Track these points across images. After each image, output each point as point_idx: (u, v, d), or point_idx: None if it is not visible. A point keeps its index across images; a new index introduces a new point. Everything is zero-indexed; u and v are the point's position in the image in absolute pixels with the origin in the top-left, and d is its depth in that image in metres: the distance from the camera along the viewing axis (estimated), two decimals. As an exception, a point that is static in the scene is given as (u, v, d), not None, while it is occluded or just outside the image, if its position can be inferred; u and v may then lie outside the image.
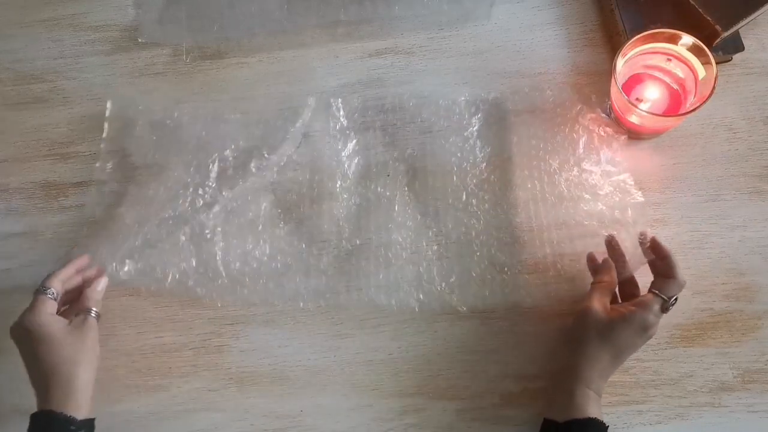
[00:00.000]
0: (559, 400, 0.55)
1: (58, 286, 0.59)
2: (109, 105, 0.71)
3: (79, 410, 0.54)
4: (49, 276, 0.59)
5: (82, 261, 0.63)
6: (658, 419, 0.58)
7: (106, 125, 0.70)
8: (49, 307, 0.57)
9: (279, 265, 0.64)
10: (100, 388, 0.60)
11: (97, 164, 0.69)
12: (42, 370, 0.55)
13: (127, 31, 0.75)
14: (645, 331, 0.53)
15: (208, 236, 0.65)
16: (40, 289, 0.58)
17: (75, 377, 0.55)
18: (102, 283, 0.62)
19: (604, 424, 0.53)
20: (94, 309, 0.59)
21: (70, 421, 0.53)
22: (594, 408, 0.53)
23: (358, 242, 0.64)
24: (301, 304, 0.63)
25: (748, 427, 0.58)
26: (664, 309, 0.54)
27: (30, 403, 0.62)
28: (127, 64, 0.73)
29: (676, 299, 0.54)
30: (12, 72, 0.74)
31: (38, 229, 0.68)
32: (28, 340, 0.56)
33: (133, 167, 0.68)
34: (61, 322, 0.57)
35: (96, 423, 0.56)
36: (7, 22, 0.76)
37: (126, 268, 0.64)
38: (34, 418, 0.54)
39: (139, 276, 0.64)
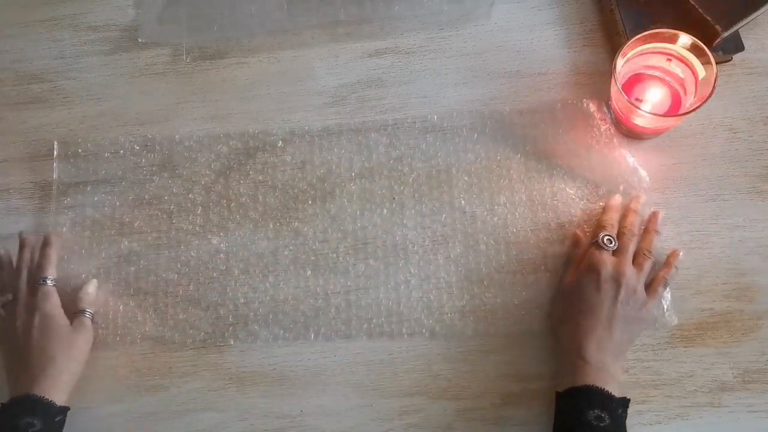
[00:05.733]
0: (560, 376, 0.57)
1: (55, 273, 0.62)
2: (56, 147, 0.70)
3: (61, 399, 0.56)
4: (46, 265, 0.61)
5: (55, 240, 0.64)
6: (658, 419, 0.58)
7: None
8: (57, 299, 0.61)
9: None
10: (100, 387, 0.60)
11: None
12: (37, 358, 0.57)
13: (127, 31, 0.75)
14: (598, 275, 0.57)
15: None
16: (44, 281, 0.60)
17: (66, 371, 0.58)
18: (92, 285, 0.63)
19: (608, 392, 0.53)
20: (89, 311, 0.61)
21: (52, 405, 0.55)
22: (592, 377, 0.53)
23: (360, 244, 0.65)
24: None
25: (748, 427, 0.58)
26: (598, 246, 0.59)
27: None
28: (127, 64, 0.73)
29: (607, 237, 0.59)
30: (12, 72, 0.74)
31: (38, 229, 0.68)
32: (37, 329, 0.58)
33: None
34: (65, 317, 0.60)
35: (96, 423, 0.56)
36: (7, 22, 0.76)
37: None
38: (17, 401, 0.55)
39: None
